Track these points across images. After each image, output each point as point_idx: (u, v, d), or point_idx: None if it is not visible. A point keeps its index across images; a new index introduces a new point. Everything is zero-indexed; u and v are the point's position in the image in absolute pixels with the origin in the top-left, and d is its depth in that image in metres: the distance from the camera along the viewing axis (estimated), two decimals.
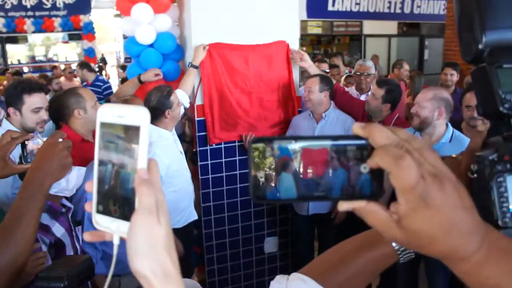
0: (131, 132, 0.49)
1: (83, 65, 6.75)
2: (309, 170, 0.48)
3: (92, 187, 0.52)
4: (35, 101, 2.47)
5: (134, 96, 3.14)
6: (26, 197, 1.09)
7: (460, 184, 0.47)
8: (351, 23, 10.42)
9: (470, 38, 0.55)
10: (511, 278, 0.45)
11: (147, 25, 3.15)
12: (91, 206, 0.52)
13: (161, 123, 2.71)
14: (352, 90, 4.09)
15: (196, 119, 3.11)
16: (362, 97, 3.93)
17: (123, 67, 9.51)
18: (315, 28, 10.28)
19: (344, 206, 0.49)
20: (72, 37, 13.80)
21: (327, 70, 4.19)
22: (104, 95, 5.98)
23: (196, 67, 2.98)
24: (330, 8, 9.74)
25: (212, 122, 3.07)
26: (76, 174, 1.67)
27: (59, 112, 2.63)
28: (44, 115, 2.51)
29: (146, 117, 0.49)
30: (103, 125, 0.51)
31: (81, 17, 12.64)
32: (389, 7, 10.37)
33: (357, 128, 0.49)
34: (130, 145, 0.49)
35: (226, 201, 3.26)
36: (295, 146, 0.48)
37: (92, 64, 7.55)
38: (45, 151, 1.14)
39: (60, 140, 1.16)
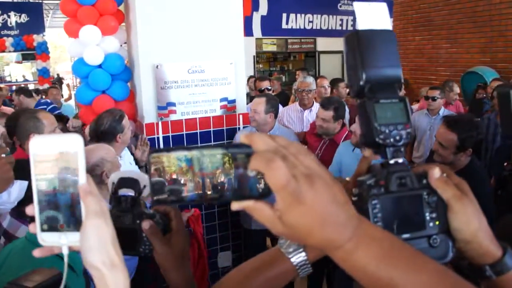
0: (67, 156, 0.57)
1: (19, 91, 6.10)
2: (205, 175, 0.55)
3: (33, 211, 0.59)
4: None
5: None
6: None
7: (335, 181, 0.52)
8: (305, 40, 10.76)
9: (353, 75, 0.61)
10: (376, 261, 0.52)
11: (95, 46, 3.20)
12: (35, 227, 0.59)
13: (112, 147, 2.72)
14: (296, 106, 4.28)
15: (148, 137, 3.14)
16: (306, 112, 4.12)
17: None
18: (271, 45, 10.54)
19: (235, 206, 0.55)
20: (26, 57, 13.41)
21: (269, 87, 4.38)
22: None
23: None
24: (284, 26, 10.01)
25: None
26: (18, 187, 1.68)
27: (14, 131, 2.54)
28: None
29: (81, 142, 0.57)
30: (38, 155, 0.57)
31: (35, 36, 12.27)
32: (341, 25, 10.78)
33: (242, 137, 0.56)
34: (68, 167, 0.57)
35: None
36: (191, 154, 0.55)
37: (38, 87, 6.84)
38: None
39: (3, 155, 1.22)
